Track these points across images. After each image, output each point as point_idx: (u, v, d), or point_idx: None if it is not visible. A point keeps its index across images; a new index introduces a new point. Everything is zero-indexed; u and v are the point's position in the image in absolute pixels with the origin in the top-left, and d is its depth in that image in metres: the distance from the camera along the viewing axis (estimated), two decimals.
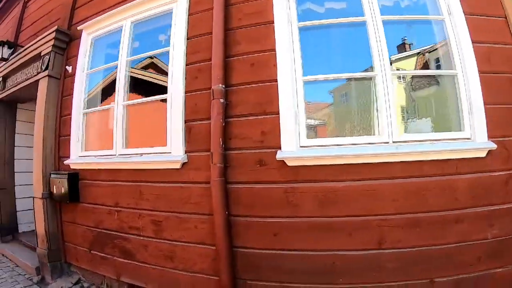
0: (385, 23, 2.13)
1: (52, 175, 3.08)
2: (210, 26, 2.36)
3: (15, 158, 4.49)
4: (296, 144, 2.05)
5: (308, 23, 2.26)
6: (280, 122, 2.08)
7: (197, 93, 2.36)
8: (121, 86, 2.74)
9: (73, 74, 3.22)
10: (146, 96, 2.73)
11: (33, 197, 3.27)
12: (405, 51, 2.45)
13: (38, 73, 3.39)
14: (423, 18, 2.33)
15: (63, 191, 2.92)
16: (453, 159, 1.93)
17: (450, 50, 2.11)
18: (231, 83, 2.25)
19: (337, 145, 2.02)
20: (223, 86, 2.21)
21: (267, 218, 2.07)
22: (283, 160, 2.04)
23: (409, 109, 2.39)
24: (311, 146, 2.06)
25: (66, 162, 3.03)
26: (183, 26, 2.50)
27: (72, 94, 3.13)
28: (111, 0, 3.02)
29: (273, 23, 2.22)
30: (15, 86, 3.84)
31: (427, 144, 1.96)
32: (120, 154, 2.65)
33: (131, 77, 2.86)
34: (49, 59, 3.27)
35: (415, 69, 2.49)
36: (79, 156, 2.99)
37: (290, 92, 2.10)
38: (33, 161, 3.28)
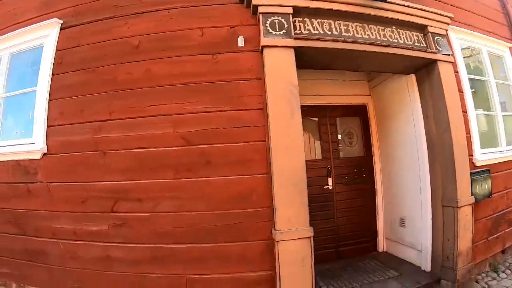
0: None
1: (472, 175, 2.84)
2: None
3: None
4: None
5: None
6: None
7: None
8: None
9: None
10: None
11: (454, 207, 2.67)
12: None
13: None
14: None
15: (486, 189, 2.93)
16: None
17: None
18: None
19: None
20: None
21: None
22: None
23: None
24: None
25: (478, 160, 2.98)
26: None
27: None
28: None
29: None
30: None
31: None
32: (508, 150, 3.41)
33: None
34: None
35: None
36: (481, 154, 3.08)
37: None
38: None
